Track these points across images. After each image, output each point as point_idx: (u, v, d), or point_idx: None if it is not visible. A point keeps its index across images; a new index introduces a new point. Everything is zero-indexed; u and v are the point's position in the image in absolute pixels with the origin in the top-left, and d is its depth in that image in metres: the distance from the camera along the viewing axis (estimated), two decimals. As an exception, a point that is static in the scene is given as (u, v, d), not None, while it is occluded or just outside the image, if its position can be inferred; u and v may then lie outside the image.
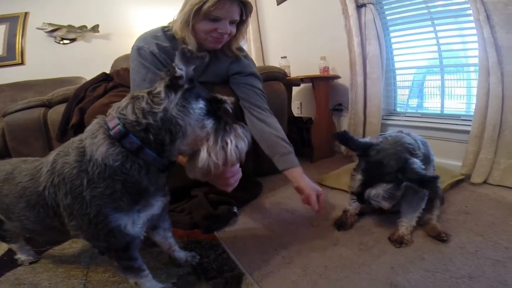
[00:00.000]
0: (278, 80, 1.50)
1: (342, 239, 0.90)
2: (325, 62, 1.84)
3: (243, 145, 0.61)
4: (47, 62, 2.72)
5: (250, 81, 1.09)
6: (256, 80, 1.11)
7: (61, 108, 1.31)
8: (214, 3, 0.86)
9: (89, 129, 0.55)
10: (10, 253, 0.93)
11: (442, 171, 1.32)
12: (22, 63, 2.70)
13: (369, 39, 1.62)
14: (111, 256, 0.60)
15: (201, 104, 0.56)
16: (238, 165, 0.70)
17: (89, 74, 2.79)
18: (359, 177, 0.80)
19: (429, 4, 1.50)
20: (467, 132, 1.31)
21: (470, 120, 1.30)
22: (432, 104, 1.64)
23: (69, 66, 2.76)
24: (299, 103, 2.29)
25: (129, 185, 0.53)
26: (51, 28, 2.71)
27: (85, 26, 2.84)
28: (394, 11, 1.67)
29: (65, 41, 2.81)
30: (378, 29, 1.60)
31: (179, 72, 0.51)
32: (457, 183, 1.26)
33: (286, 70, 1.82)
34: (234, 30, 0.98)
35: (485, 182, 1.25)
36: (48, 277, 0.83)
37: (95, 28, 2.86)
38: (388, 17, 1.70)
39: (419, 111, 1.67)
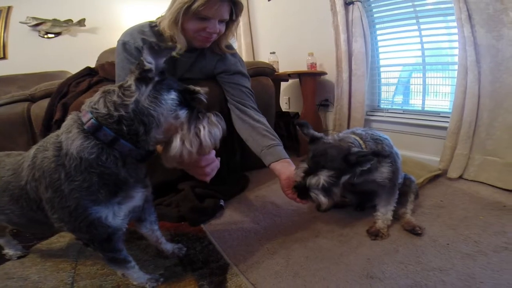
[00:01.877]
0: (266, 76, 1.49)
1: (323, 231, 0.92)
2: (313, 58, 1.84)
3: (217, 132, 0.61)
4: (30, 56, 2.64)
5: (236, 79, 1.07)
6: (243, 78, 1.09)
7: (44, 103, 1.28)
8: (203, 3, 0.84)
9: (65, 124, 0.55)
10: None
11: (421, 166, 1.37)
12: (4, 57, 2.60)
13: (355, 36, 1.63)
14: (95, 248, 0.60)
15: (172, 95, 0.56)
16: (213, 153, 0.70)
17: (74, 68, 2.74)
18: (304, 165, 0.79)
19: (415, 3, 1.51)
20: (445, 128, 1.34)
21: (449, 117, 1.33)
22: (414, 101, 1.67)
23: (53, 60, 2.69)
24: (287, 98, 2.29)
25: (106, 177, 0.53)
26: (35, 22, 2.62)
27: (70, 20, 2.76)
28: (381, 9, 1.68)
29: (50, 35, 2.72)
30: (364, 26, 1.61)
31: (147, 65, 0.52)
32: (434, 178, 1.30)
33: (274, 66, 1.82)
34: (223, 28, 0.96)
35: (460, 177, 1.29)
36: (37, 270, 0.83)
37: (81, 22, 2.79)
38: (375, 15, 1.71)
39: (402, 107, 1.70)
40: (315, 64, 1.84)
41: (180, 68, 1.05)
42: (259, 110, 1.08)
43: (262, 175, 1.40)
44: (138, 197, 0.60)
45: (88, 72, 1.33)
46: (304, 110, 1.78)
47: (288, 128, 1.80)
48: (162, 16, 0.98)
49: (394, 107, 1.73)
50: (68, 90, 1.21)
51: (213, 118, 0.61)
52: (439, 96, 1.54)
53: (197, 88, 0.60)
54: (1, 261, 0.87)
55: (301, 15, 2.09)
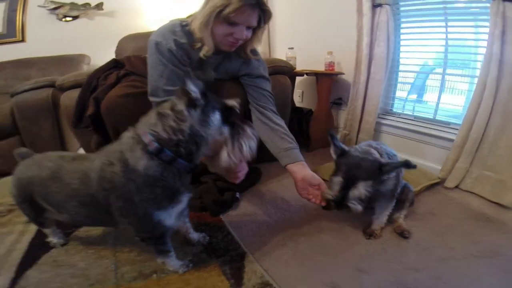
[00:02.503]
0: (284, 74, 1.62)
1: (326, 228, 1.11)
2: (332, 57, 1.93)
3: (253, 144, 0.77)
4: (48, 39, 2.72)
5: (258, 82, 1.18)
6: (265, 81, 1.20)
7: (73, 94, 1.36)
8: (235, 9, 0.90)
9: (126, 142, 0.69)
10: (39, 236, 1.04)
11: (422, 173, 1.52)
12: (22, 40, 2.70)
13: (379, 41, 1.69)
14: (150, 243, 0.79)
15: (217, 115, 0.70)
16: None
17: (92, 52, 2.86)
18: (338, 179, 0.88)
19: (447, 5, 1.55)
20: (452, 140, 1.47)
21: (457, 129, 1.45)
22: (429, 98, 1.78)
23: (71, 43, 2.78)
24: (301, 92, 2.41)
25: (167, 189, 0.69)
26: (53, 6, 2.69)
27: (88, 4, 2.83)
28: (410, 13, 1.73)
29: (68, 19, 2.80)
30: (389, 31, 1.67)
31: (194, 94, 0.63)
32: (432, 186, 1.46)
33: (292, 61, 1.94)
34: (249, 34, 1.03)
35: (457, 187, 1.45)
36: (81, 258, 0.96)
37: (99, 6, 2.86)
38: (402, 19, 1.75)
39: (413, 113, 1.80)
40: (333, 63, 1.94)
41: (208, 70, 1.15)
42: (277, 110, 1.20)
43: (273, 168, 1.56)
44: (185, 200, 0.76)
45: (114, 64, 1.39)
46: (317, 108, 1.92)
47: (300, 124, 1.95)
48: (193, 15, 1.04)
49: (405, 112, 1.84)
50: (98, 84, 1.27)
51: (249, 132, 0.76)
52: (455, 92, 1.63)
53: (232, 103, 0.74)
54: (46, 249, 1.00)
55: (324, 11, 2.14)
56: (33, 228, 1.10)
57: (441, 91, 1.66)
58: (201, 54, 1.03)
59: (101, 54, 3.01)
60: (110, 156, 0.69)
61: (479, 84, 1.32)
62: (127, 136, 0.70)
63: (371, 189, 0.87)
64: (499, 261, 0.91)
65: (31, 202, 0.83)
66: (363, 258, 0.93)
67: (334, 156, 0.97)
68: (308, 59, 2.18)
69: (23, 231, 1.11)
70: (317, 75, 1.86)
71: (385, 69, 1.72)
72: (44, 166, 0.79)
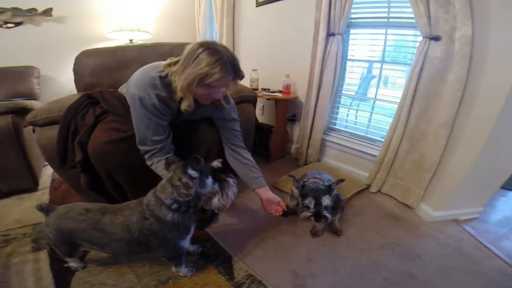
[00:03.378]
0: (249, 102, 1.98)
1: (285, 231, 1.58)
2: (288, 80, 2.38)
3: (235, 190, 1.17)
4: None
5: (231, 125, 1.42)
6: (236, 123, 1.44)
7: (49, 133, 1.40)
8: (217, 79, 1.08)
9: (153, 204, 1.03)
10: (54, 262, 1.26)
11: (353, 181, 2.08)
12: None
13: (328, 70, 2.12)
14: (172, 260, 1.16)
15: (209, 178, 1.07)
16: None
17: (41, 63, 2.75)
18: (310, 199, 1.32)
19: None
20: (376, 156, 2.03)
21: (380, 146, 2.00)
22: (360, 127, 2.34)
23: (14, 54, 2.68)
24: (262, 106, 2.84)
25: (184, 227, 1.07)
26: None
27: (34, 9, 2.71)
28: (356, 45, 2.19)
29: (9, 25, 2.64)
30: (337, 61, 2.09)
31: (194, 175, 0.99)
32: (361, 191, 2.04)
33: (255, 83, 2.34)
34: (224, 90, 1.22)
35: (379, 191, 2.05)
36: (106, 276, 1.20)
37: (47, 12, 2.75)
38: (349, 47, 2.19)
39: (351, 131, 2.34)
40: (290, 86, 2.39)
41: (184, 114, 1.30)
42: (243, 135, 1.51)
43: (242, 183, 1.93)
44: (192, 230, 1.14)
45: (86, 99, 1.44)
46: (276, 125, 2.39)
47: (262, 140, 2.39)
48: (170, 64, 1.17)
49: (346, 129, 2.37)
50: (77, 124, 1.34)
51: (231, 182, 1.15)
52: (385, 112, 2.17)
53: (218, 165, 1.11)
54: (70, 272, 1.21)
55: (284, 38, 2.54)
56: (42, 255, 1.32)
57: (371, 113, 2.21)
58: (182, 108, 1.20)
59: (52, 65, 3.01)
60: (143, 213, 1.04)
61: (396, 115, 1.83)
62: (151, 199, 1.05)
63: (330, 200, 1.35)
64: (397, 250, 1.45)
65: (70, 244, 1.10)
66: (311, 252, 1.42)
67: (296, 190, 1.44)
68: (269, 79, 2.61)
69: (36, 259, 1.30)
70: (276, 100, 2.30)
71: (330, 94, 2.21)
72: (79, 220, 1.05)
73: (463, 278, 1.28)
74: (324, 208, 1.32)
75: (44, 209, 1.09)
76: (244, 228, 1.59)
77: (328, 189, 1.37)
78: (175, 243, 1.08)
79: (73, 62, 2.00)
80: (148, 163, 1.25)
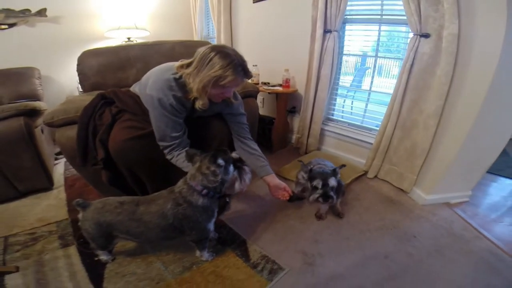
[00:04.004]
0: (252, 96, 2.12)
1: (292, 215, 1.74)
2: (288, 74, 2.51)
3: (250, 176, 1.33)
4: None
5: (239, 119, 1.56)
6: (243, 117, 1.57)
7: (68, 132, 1.50)
8: (230, 81, 1.20)
9: (185, 191, 1.16)
10: (85, 256, 1.36)
11: (352, 168, 2.25)
12: None
13: (325, 64, 2.25)
14: (199, 243, 1.29)
15: (231, 167, 1.23)
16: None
17: (39, 64, 2.78)
18: (318, 181, 1.46)
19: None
20: (371, 143, 2.19)
21: (375, 135, 2.16)
22: (357, 117, 2.50)
23: (11, 55, 2.69)
24: (262, 99, 2.96)
25: (212, 211, 1.22)
26: None
27: (28, 10, 2.70)
28: (351, 41, 2.31)
29: (3, 26, 2.63)
30: (334, 56, 2.22)
31: (221, 163, 1.15)
32: (359, 177, 2.20)
33: (256, 78, 2.46)
34: (235, 89, 1.37)
35: (375, 176, 2.21)
36: (136, 266, 1.31)
37: (42, 12, 2.74)
38: (345, 43, 2.32)
39: (348, 120, 2.50)
40: (289, 80, 2.52)
41: (197, 112, 1.40)
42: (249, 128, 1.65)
43: None
44: (216, 214, 1.28)
45: (101, 98, 1.54)
46: (277, 117, 2.53)
47: (264, 131, 2.53)
48: (182, 66, 1.28)
49: (343, 119, 2.53)
50: (95, 124, 1.44)
51: (247, 169, 1.31)
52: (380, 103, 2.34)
53: (237, 155, 1.28)
54: (101, 265, 1.31)
55: (282, 34, 2.65)
56: (72, 251, 1.42)
57: (367, 103, 2.36)
58: (197, 106, 1.32)
59: (51, 66, 3.04)
60: (176, 200, 1.18)
61: (389, 106, 1.98)
62: (183, 187, 1.19)
63: (335, 182, 1.50)
64: (395, 231, 1.60)
65: (107, 237, 1.22)
66: (316, 233, 1.59)
67: (305, 175, 1.59)
68: (269, 74, 2.73)
69: (66, 255, 1.40)
70: (277, 94, 2.43)
71: (328, 87, 2.35)
72: (116, 212, 1.17)
73: (455, 257, 1.42)
74: (331, 189, 1.48)
75: (81, 205, 1.20)
76: (254, 214, 1.75)
77: (334, 172, 1.52)
78: (205, 225, 1.23)
79: (73, 62, 2.06)
80: (168, 157, 1.38)
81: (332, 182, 1.48)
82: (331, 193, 1.47)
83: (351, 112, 2.53)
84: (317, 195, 1.48)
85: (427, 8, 1.56)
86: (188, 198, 1.17)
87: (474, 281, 1.28)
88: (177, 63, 1.32)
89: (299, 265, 1.36)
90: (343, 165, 1.59)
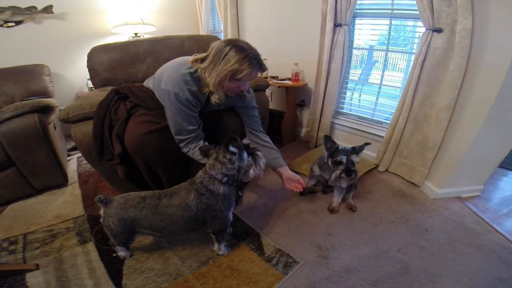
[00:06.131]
0: (263, 90, 2.16)
1: (305, 209, 1.78)
2: (297, 68, 2.53)
3: (264, 161, 1.36)
4: None
5: (251, 112, 1.61)
6: (255, 110, 1.62)
7: (84, 128, 1.54)
8: (246, 74, 1.25)
9: (206, 180, 1.20)
10: (103, 253, 1.39)
11: (362, 161, 2.29)
12: None
13: (336, 58, 2.27)
14: (218, 234, 1.33)
15: (245, 154, 1.27)
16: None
17: (48, 60, 2.84)
18: (343, 156, 1.52)
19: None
20: (382, 136, 2.23)
21: (387, 128, 2.18)
22: (367, 110, 2.53)
23: (19, 52, 2.73)
24: (270, 93, 2.99)
25: (231, 199, 1.26)
26: None
27: (34, 7, 2.73)
28: (361, 35, 2.33)
29: (10, 24, 2.66)
30: (344, 50, 2.24)
31: (234, 150, 1.19)
32: (370, 170, 2.24)
33: (265, 72, 2.49)
34: (249, 82, 1.42)
35: (386, 170, 2.25)
36: (154, 262, 1.34)
37: (48, 9, 2.77)
38: (355, 37, 2.33)
39: (358, 114, 2.52)
40: (298, 73, 2.54)
41: (211, 105, 1.44)
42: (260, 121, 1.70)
43: None
44: (234, 203, 1.33)
45: (115, 93, 1.57)
46: (287, 112, 2.56)
47: (273, 125, 2.57)
48: (197, 61, 1.32)
49: (352, 112, 2.57)
50: (111, 119, 1.47)
51: (260, 155, 1.33)
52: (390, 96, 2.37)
53: (247, 141, 1.32)
54: (120, 261, 1.34)
55: (292, 28, 2.65)
56: (90, 247, 1.45)
57: (377, 97, 2.39)
58: (213, 100, 1.36)
59: (59, 62, 3.07)
60: (198, 189, 1.22)
61: (401, 100, 2.00)
62: (204, 176, 1.23)
63: (357, 158, 1.56)
64: (407, 225, 1.65)
65: (130, 233, 1.25)
66: (330, 226, 1.63)
67: (327, 152, 1.62)
68: (278, 68, 2.75)
69: (85, 252, 1.43)
70: (286, 88, 2.46)
71: (338, 81, 2.37)
72: (139, 207, 1.20)
73: (467, 250, 1.45)
74: (353, 165, 1.53)
75: (103, 201, 1.23)
76: (267, 208, 1.80)
77: (354, 150, 1.58)
78: (226, 214, 1.28)
79: (81, 58, 2.13)
80: (185, 150, 1.42)
81: (355, 158, 1.54)
82: (353, 168, 1.52)
83: (359, 105, 2.56)
84: (339, 171, 1.53)
85: (440, 3, 1.57)
86: (210, 187, 1.22)
87: (486, 275, 1.32)
88: (190, 58, 1.34)
89: (313, 258, 1.41)
90: (368, 143, 1.62)
